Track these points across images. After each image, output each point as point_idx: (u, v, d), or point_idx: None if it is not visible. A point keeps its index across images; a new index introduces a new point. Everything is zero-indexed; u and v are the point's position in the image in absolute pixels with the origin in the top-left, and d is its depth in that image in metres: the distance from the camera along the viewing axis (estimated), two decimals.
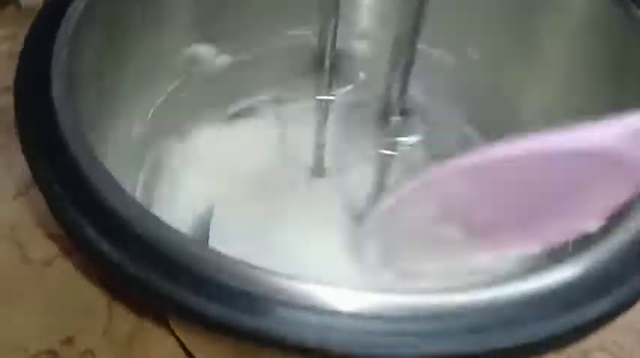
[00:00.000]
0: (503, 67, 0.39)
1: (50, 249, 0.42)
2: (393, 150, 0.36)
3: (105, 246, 0.22)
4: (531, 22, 0.37)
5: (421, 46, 0.34)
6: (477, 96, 0.40)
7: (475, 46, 0.40)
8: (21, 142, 0.25)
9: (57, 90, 0.27)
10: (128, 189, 0.24)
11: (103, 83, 0.32)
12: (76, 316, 0.40)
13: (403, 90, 0.35)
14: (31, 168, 0.25)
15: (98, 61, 0.31)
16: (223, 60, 0.40)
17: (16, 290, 0.41)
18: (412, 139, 0.36)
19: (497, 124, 0.39)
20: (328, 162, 0.42)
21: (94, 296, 0.40)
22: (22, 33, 0.30)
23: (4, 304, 0.40)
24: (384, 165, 0.38)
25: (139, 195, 0.35)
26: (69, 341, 0.39)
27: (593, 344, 0.41)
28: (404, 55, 0.34)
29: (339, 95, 0.38)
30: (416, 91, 0.36)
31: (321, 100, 0.39)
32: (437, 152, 0.38)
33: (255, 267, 0.22)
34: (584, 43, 0.35)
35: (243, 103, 0.42)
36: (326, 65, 0.38)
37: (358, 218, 0.39)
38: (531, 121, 0.38)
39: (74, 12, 0.30)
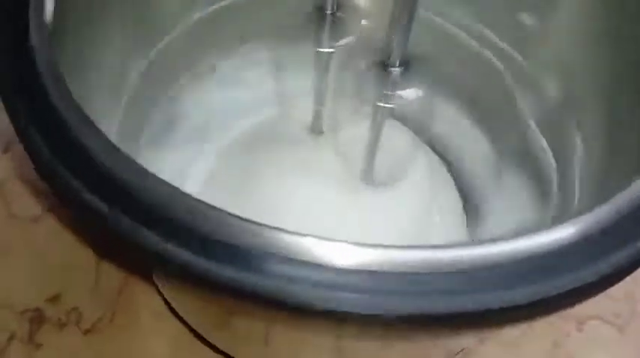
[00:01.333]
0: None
1: (37, 206, 0.41)
2: (391, 102, 0.35)
3: (88, 197, 0.21)
4: None
5: None
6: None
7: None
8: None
9: (35, 38, 0.25)
10: (113, 138, 0.23)
11: (91, 28, 0.30)
12: (62, 273, 0.39)
13: (404, 38, 0.33)
14: (12, 120, 0.23)
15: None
16: (217, 6, 0.38)
17: (2, 247, 0.40)
18: (411, 92, 0.34)
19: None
20: (326, 116, 0.40)
21: (81, 254, 0.39)
22: None
23: None
24: (380, 119, 0.36)
25: (124, 145, 0.33)
26: (55, 298, 0.38)
27: (589, 311, 0.39)
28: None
29: (340, 46, 0.37)
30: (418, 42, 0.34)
31: (321, 52, 0.37)
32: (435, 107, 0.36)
33: (246, 220, 0.20)
34: None
35: (239, 53, 0.39)
36: (327, 14, 0.36)
37: (355, 173, 0.38)
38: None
39: None
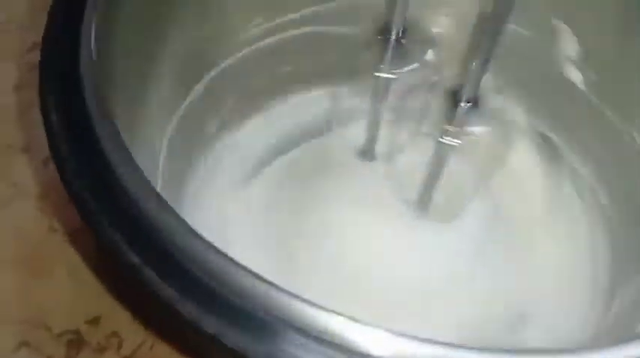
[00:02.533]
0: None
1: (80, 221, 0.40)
2: (457, 139, 0.33)
3: (125, 248, 0.20)
4: None
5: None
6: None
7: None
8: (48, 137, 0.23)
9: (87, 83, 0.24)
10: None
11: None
12: (104, 294, 0.37)
13: (479, 75, 0.31)
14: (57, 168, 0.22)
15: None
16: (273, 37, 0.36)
17: (42, 262, 0.38)
18: (481, 130, 0.32)
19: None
20: (381, 146, 0.38)
21: None
22: None
23: (30, 276, 0.38)
24: (442, 154, 0.34)
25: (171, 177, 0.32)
26: (95, 321, 0.37)
27: None
28: (487, 34, 0.29)
29: (402, 73, 0.35)
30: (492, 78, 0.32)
31: (380, 78, 0.35)
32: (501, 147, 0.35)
33: (284, 292, 0.20)
34: None
35: (291, 81, 0.38)
36: (391, 40, 0.34)
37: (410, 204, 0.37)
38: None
39: None
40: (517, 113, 0.39)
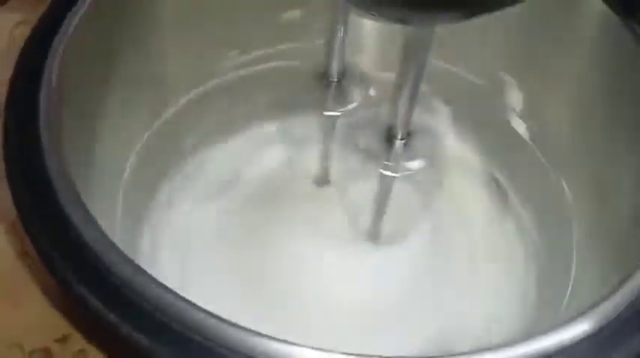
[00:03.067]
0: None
1: None
2: (395, 172, 0.36)
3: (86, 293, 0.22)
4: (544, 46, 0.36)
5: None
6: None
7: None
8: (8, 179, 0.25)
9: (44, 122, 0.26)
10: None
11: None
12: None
13: (409, 112, 0.34)
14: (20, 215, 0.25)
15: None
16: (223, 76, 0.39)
17: (14, 284, 0.41)
18: (415, 164, 0.35)
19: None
20: (332, 175, 0.41)
21: None
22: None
23: (2, 298, 0.40)
24: (386, 185, 0.37)
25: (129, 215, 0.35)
26: (64, 339, 0.39)
27: None
28: (411, 73, 0.33)
29: (346, 111, 0.38)
30: (425, 113, 0.35)
31: (327, 116, 0.38)
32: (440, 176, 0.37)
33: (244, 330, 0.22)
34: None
35: (246, 117, 0.41)
36: (332, 80, 0.37)
37: (360, 230, 0.39)
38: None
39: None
40: (469, 154, 0.42)
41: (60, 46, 0.29)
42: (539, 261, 0.37)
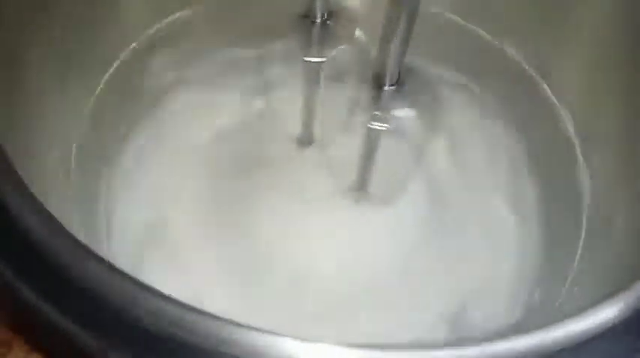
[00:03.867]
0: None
1: None
2: (384, 123, 0.32)
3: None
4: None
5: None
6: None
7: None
8: None
9: None
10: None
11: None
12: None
13: (399, 56, 0.30)
14: None
15: None
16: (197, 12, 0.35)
17: None
18: (404, 113, 0.31)
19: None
20: (316, 129, 0.37)
21: None
22: None
23: None
24: (374, 138, 0.33)
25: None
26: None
27: None
28: (404, 11, 0.29)
29: (330, 56, 0.34)
30: (415, 57, 0.31)
31: (310, 62, 0.34)
32: (431, 125, 0.33)
33: (228, 322, 0.18)
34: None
35: (223, 62, 0.37)
36: (316, 22, 0.33)
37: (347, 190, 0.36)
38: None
39: None
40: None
41: None
42: (546, 224, 0.33)
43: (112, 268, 0.19)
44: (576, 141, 0.32)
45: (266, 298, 0.32)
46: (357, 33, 0.34)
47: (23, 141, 0.26)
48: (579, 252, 0.30)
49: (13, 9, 0.26)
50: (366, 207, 0.36)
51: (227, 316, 0.18)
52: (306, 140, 0.38)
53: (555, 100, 0.34)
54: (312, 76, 0.35)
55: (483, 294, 0.34)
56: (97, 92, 0.32)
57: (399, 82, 0.31)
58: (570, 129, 0.33)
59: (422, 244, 0.35)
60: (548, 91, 0.34)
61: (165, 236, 0.34)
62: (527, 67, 0.34)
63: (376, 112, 0.32)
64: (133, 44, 0.34)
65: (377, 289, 0.33)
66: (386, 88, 0.31)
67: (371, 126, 0.32)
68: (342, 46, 0.34)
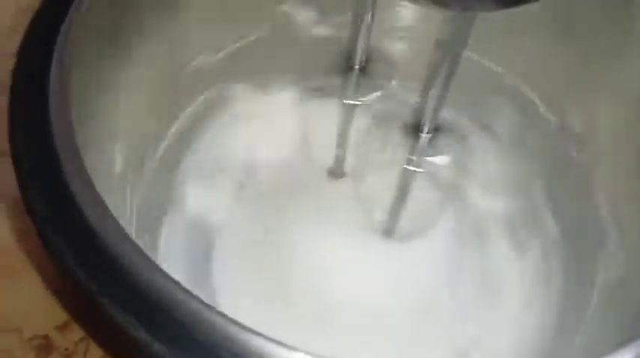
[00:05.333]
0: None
1: None
2: (418, 167, 0.34)
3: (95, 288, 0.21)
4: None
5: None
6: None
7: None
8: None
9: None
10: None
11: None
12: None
13: (439, 104, 0.32)
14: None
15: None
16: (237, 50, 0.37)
17: (15, 267, 0.39)
18: (440, 160, 0.33)
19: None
20: (348, 166, 0.39)
21: None
22: None
23: (2, 281, 0.39)
24: (407, 180, 0.35)
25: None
26: (65, 326, 0.38)
27: None
28: (446, 62, 0.30)
29: (367, 100, 0.36)
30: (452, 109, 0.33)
31: (347, 104, 0.36)
32: (464, 174, 0.35)
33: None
34: None
35: (264, 98, 0.39)
36: (355, 65, 0.35)
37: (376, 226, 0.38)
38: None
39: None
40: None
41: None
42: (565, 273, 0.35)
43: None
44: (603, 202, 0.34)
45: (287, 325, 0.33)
46: (394, 81, 0.36)
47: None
48: (594, 299, 0.32)
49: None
50: (391, 244, 0.38)
51: None
52: (337, 173, 0.40)
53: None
54: (348, 116, 0.37)
55: (493, 341, 0.35)
56: None
57: (435, 130, 0.33)
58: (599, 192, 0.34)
59: (442, 286, 0.37)
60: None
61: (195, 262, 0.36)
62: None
63: (410, 157, 0.34)
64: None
65: (406, 323, 0.35)
66: (422, 134, 0.33)
67: (406, 168, 0.34)
68: (379, 92, 0.35)
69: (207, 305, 0.21)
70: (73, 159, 0.24)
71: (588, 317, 0.31)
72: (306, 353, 0.20)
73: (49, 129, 0.24)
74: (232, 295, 0.34)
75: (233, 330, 0.20)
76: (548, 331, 0.33)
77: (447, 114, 0.33)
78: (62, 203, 0.23)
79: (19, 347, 0.37)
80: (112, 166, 0.30)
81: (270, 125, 0.39)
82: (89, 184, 0.23)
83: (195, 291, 0.21)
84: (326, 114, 0.38)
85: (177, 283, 0.21)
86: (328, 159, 0.39)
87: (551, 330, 0.33)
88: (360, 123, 0.37)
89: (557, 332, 0.33)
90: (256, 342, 0.20)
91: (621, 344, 0.22)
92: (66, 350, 0.37)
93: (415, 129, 0.33)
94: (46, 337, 0.37)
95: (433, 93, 0.31)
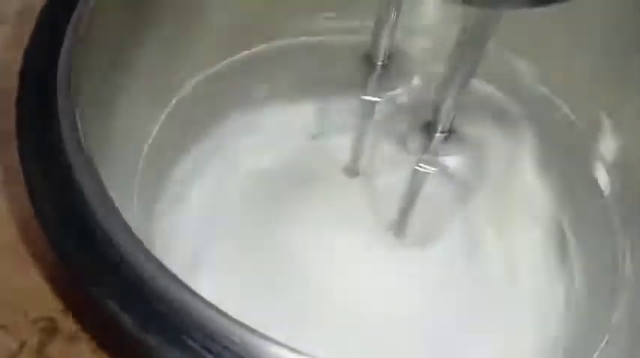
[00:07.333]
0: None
1: None
2: (432, 166, 0.33)
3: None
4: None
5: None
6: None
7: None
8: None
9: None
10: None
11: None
12: None
13: (454, 105, 0.31)
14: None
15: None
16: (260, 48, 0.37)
17: (25, 249, 0.39)
18: (453, 160, 0.32)
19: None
20: (364, 162, 0.39)
21: None
22: None
23: (13, 262, 0.39)
24: (420, 179, 0.35)
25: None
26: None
27: None
28: (465, 63, 0.30)
29: (386, 97, 0.35)
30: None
31: (366, 100, 0.36)
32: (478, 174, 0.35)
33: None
34: None
35: (283, 93, 0.38)
36: (377, 62, 0.35)
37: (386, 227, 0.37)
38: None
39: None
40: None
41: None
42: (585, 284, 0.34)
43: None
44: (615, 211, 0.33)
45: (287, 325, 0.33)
46: (415, 79, 0.35)
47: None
48: (619, 309, 0.31)
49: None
50: (401, 245, 0.37)
51: None
52: (352, 171, 0.40)
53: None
54: (367, 112, 0.37)
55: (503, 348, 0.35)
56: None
57: (450, 130, 0.32)
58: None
59: (449, 290, 0.36)
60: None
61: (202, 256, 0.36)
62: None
63: (424, 156, 0.33)
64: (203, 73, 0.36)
65: (391, 324, 0.34)
66: (437, 134, 0.32)
67: (418, 168, 0.34)
68: (399, 90, 0.35)
69: (208, 303, 0.21)
70: (79, 153, 0.24)
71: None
72: (307, 354, 0.20)
73: (56, 118, 0.24)
74: (236, 294, 0.33)
75: (233, 330, 0.20)
76: (562, 340, 0.32)
77: (464, 116, 0.33)
78: (65, 192, 0.23)
79: (24, 328, 0.37)
80: (116, 164, 0.30)
81: (286, 122, 0.39)
82: (97, 178, 0.23)
83: (197, 288, 0.21)
84: (344, 111, 0.38)
85: (178, 280, 0.21)
86: (344, 157, 0.39)
87: (567, 341, 0.32)
88: (377, 120, 0.37)
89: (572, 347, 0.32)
90: (257, 342, 0.20)
91: None
92: (70, 333, 0.37)
93: (430, 129, 0.33)
94: (51, 319, 0.37)
95: (451, 92, 0.31)
